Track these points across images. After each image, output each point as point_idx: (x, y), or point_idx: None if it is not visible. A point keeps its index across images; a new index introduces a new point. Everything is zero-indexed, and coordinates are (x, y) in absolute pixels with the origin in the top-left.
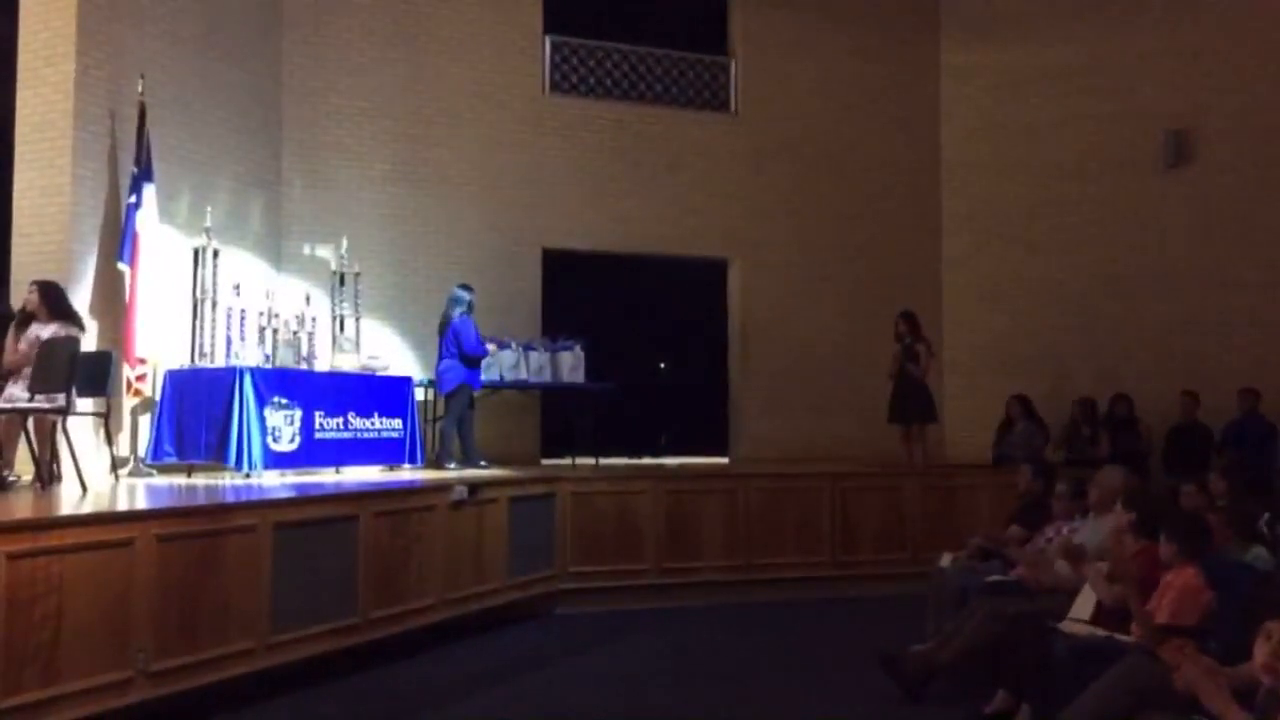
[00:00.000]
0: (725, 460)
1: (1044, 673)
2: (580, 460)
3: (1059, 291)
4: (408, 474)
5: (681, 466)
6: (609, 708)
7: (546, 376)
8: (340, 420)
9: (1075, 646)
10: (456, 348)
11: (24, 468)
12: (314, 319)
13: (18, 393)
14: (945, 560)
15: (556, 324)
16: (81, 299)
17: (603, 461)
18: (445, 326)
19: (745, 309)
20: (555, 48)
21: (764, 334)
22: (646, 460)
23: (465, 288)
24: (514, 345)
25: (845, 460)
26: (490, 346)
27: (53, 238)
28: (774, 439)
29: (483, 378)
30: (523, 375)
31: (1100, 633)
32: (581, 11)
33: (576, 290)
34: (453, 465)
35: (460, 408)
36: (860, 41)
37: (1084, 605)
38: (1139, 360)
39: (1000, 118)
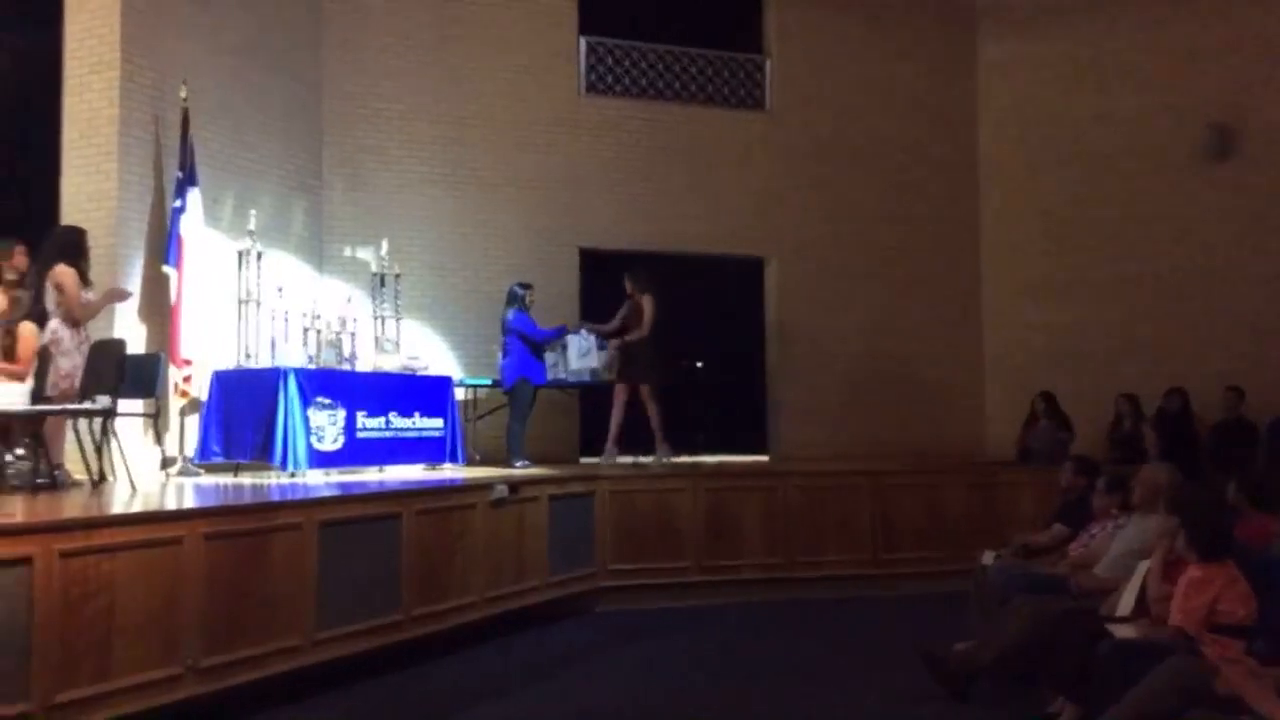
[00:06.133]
0: (764, 458)
1: (1088, 672)
2: (620, 459)
3: (1100, 287)
4: (449, 473)
5: (720, 465)
6: (648, 705)
7: (585, 376)
8: (382, 420)
9: (1120, 645)
10: (516, 343)
11: (74, 467)
12: (355, 320)
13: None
14: (987, 558)
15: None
16: (129, 301)
17: (641, 460)
18: (504, 325)
19: (782, 307)
20: (591, 48)
21: (801, 332)
22: (685, 459)
23: (522, 285)
24: (583, 333)
25: (884, 458)
26: (568, 325)
27: (100, 242)
28: (812, 437)
29: (548, 376)
30: (591, 364)
31: (1145, 631)
32: (616, 12)
33: (614, 290)
34: (520, 464)
35: (522, 404)
36: (896, 37)
37: (1127, 602)
38: (1182, 356)
39: (1038, 112)
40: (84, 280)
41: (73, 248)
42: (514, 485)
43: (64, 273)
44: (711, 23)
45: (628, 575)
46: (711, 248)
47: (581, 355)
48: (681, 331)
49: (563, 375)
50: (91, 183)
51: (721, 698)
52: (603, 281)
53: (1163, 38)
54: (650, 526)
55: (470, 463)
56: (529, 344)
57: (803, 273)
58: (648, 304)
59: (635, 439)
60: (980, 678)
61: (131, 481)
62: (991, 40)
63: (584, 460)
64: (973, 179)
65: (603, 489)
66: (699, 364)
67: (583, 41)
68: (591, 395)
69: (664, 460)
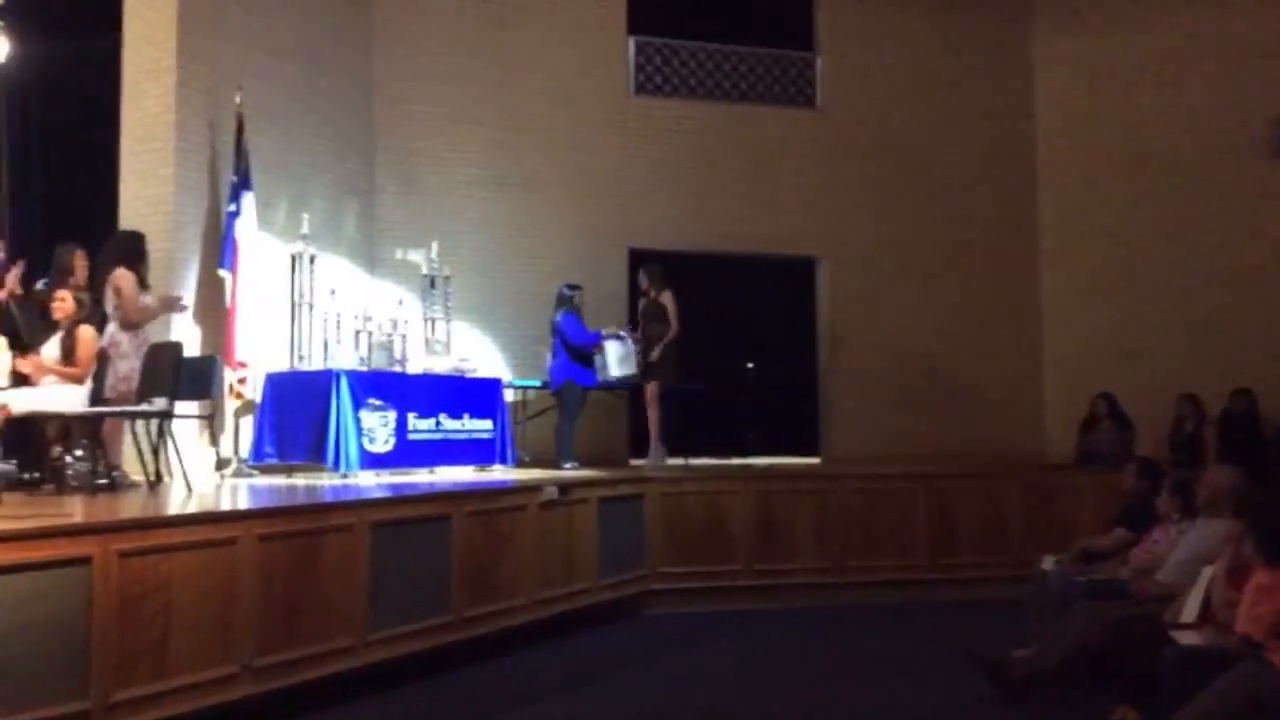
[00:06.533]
0: (816, 460)
1: (1151, 680)
2: (669, 461)
3: (1162, 285)
4: (499, 474)
5: (771, 467)
6: (698, 709)
7: (629, 381)
8: (432, 421)
9: (1184, 652)
10: (561, 345)
11: (132, 468)
12: (406, 322)
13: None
14: (1047, 563)
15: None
16: (186, 303)
17: (691, 462)
18: (552, 326)
19: (834, 307)
20: (639, 48)
21: (854, 332)
22: (736, 460)
23: (570, 286)
24: (625, 337)
25: (939, 460)
26: (608, 329)
27: (157, 245)
28: (865, 439)
29: (598, 378)
30: (631, 369)
31: (1210, 638)
32: (665, 11)
33: None
34: (570, 465)
35: (570, 406)
36: (948, 33)
37: (1191, 608)
38: (1247, 355)
39: (1095, 108)
40: (142, 284)
41: (133, 252)
42: (564, 487)
43: (123, 276)
44: (761, 21)
45: (678, 578)
46: (762, 248)
47: (621, 361)
48: (732, 332)
49: (612, 378)
50: (149, 187)
51: (772, 703)
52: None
53: (1226, 29)
54: (700, 529)
55: (520, 464)
56: (568, 345)
57: (855, 273)
58: (669, 301)
59: (684, 440)
60: (1040, 685)
61: (187, 482)
62: (1047, 35)
63: (634, 462)
64: (1030, 176)
65: (653, 491)
66: (749, 365)
67: (631, 42)
68: (641, 397)
69: (659, 463)
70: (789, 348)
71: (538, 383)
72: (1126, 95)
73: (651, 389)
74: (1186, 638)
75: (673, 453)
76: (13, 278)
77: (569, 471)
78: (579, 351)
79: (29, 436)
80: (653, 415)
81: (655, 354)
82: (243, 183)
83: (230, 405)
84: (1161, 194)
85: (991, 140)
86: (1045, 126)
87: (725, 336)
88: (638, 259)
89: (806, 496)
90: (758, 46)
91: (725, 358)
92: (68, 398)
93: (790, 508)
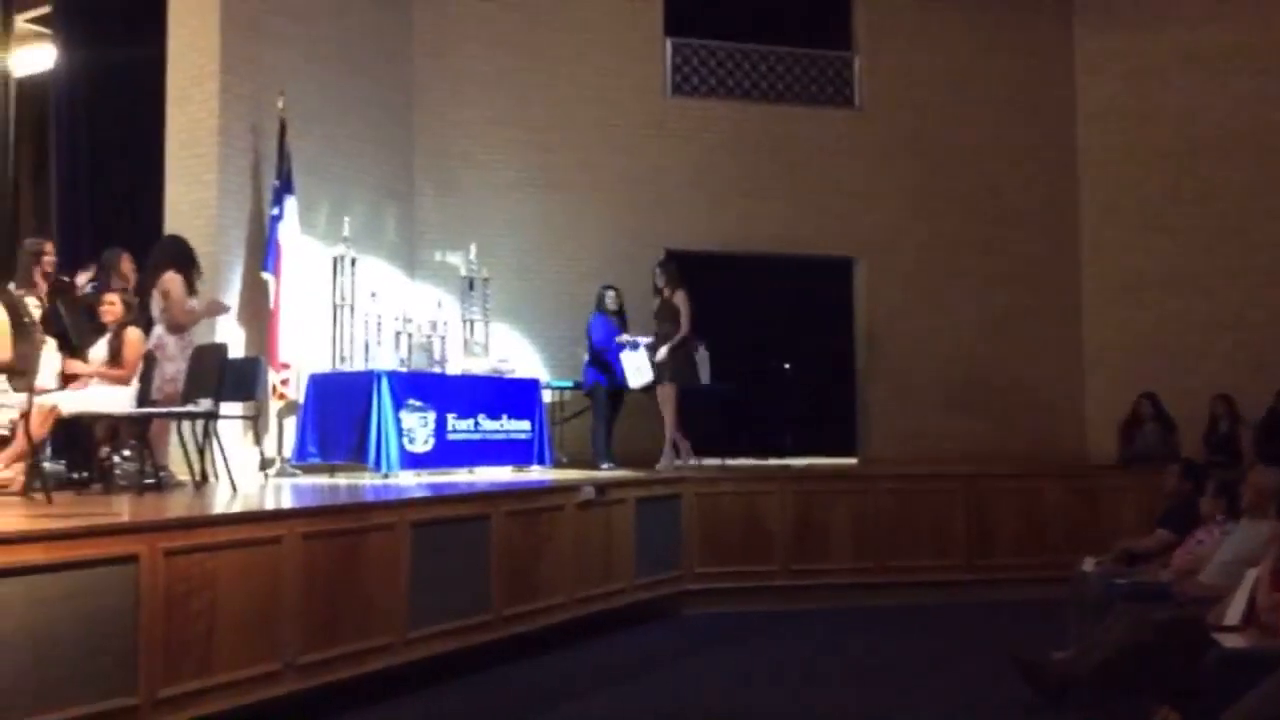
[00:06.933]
0: (853, 461)
1: (1194, 683)
2: (705, 461)
3: (1206, 284)
4: (536, 474)
5: (808, 467)
6: (734, 709)
7: (698, 379)
8: (471, 422)
9: (1227, 655)
10: (590, 347)
11: (178, 468)
12: (445, 323)
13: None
14: (1087, 564)
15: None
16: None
17: (728, 462)
18: (587, 327)
19: (872, 308)
20: (676, 49)
21: (892, 333)
22: (772, 461)
23: (604, 287)
24: (640, 345)
25: (979, 460)
26: (623, 337)
27: (201, 249)
28: (903, 440)
29: (632, 383)
30: (649, 377)
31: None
32: (702, 12)
33: (701, 291)
34: (606, 466)
35: (598, 407)
36: (989, 29)
37: (1235, 611)
38: None
39: (1139, 104)
40: (190, 288)
41: (182, 256)
42: (601, 487)
43: (172, 279)
44: (799, 21)
45: (714, 578)
46: (799, 248)
47: (638, 371)
48: (769, 333)
49: (632, 388)
50: (193, 192)
51: (808, 704)
52: (689, 284)
53: (1272, 22)
54: (737, 529)
55: (557, 465)
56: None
57: (893, 272)
58: (682, 301)
59: (721, 440)
60: (1080, 687)
61: (232, 482)
62: (1089, 30)
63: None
64: (1071, 173)
65: (689, 491)
66: (786, 366)
67: (668, 43)
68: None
69: (669, 467)
70: (826, 348)
71: (570, 383)
72: (1169, 91)
73: (663, 391)
74: (1230, 640)
75: (708, 453)
76: (81, 279)
77: (605, 472)
78: (599, 354)
79: (78, 437)
80: (667, 417)
81: (662, 354)
82: (285, 186)
83: (274, 406)
84: (1205, 191)
85: (1032, 138)
86: (1087, 124)
87: (762, 337)
88: (675, 259)
89: (843, 497)
90: (795, 46)
91: (762, 358)
92: (115, 399)
93: (827, 508)
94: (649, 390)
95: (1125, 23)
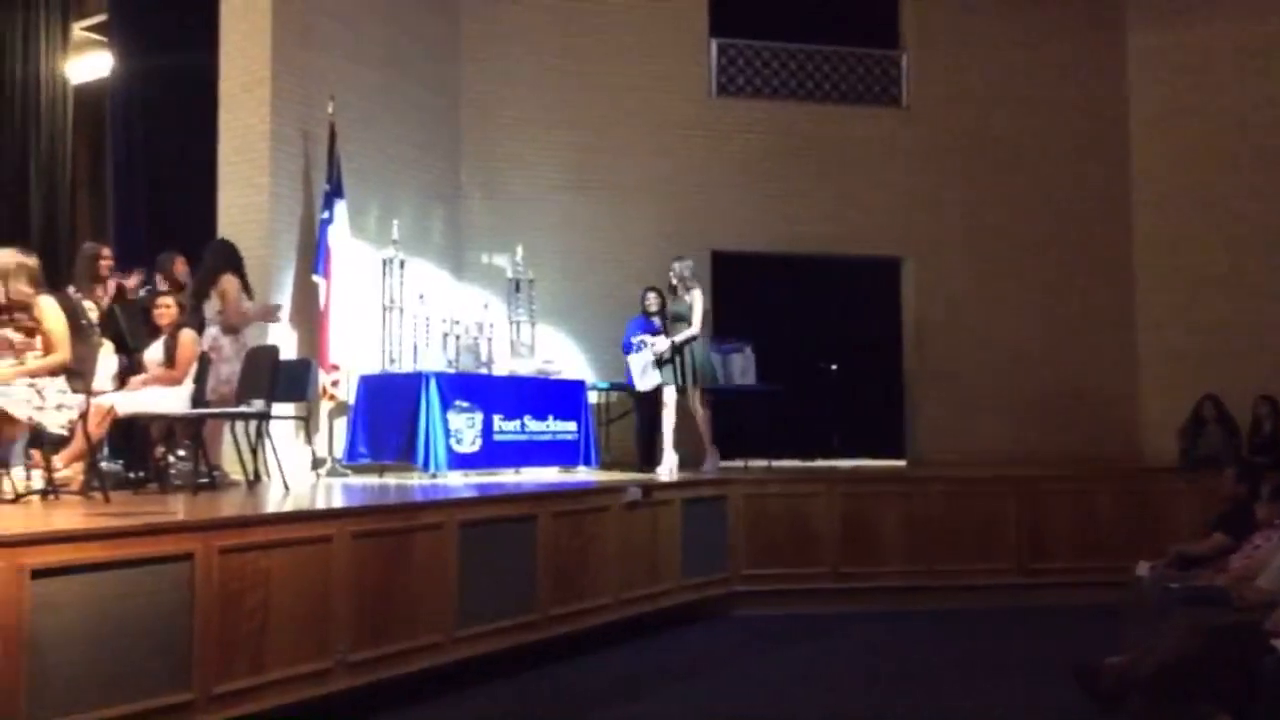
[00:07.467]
0: (902, 463)
1: (1251, 689)
2: (752, 463)
3: (1263, 282)
4: (583, 475)
5: (856, 469)
6: (781, 711)
7: (718, 379)
8: (518, 423)
9: None
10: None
11: (232, 468)
12: (492, 325)
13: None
14: (1142, 569)
15: (726, 326)
16: (281, 310)
17: (775, 464)
18: None
19: (920, 308)
20: (721, 50)
21: (941, 334)
22: (820, 463)
23: (647, 289)
24: (643, 348)
25: (1031, 463)
26: (637, 339)
27: (253, 253)
28: (953, 441)
29: (638, 385)
30: (656, 380)
31: None
32: (747, 12)
33: (746, 292)
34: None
35: (640, 408)
36: (1039, 26)
37: None
38: None
39: (1193, 101)
40: (247, 290)
41: (236, 259)
42: (647, 488)
43: (230, 281)
44: (844, 19)
45: (761, 580)
46: (847, 249)
47: (642, 374)
48: (816, 334)
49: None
50: (244, 196)
51: (859, 707)
52: (735, 285)
53: None
54: (784, 531)
55: (603, 466)
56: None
57: (942, 273)
58: (697, 299)
59: (767, 441)
60: (1134, 693)
61: (284, 481)
62: (1142, 26)
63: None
64: (1124, 173)
65: (735, 493)
66: (834, 367)
67: (713, 44)
68: (725, 399)
69: (670, 474)
70: (874, 349)
71: (605, 384)
72: (1224, 86)
73: (668, 393)
74: None
75: (754, 455)
76: (132, 283)
77: (654, 473)
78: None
79: (134, 437)
80: (668, 420)
81: (664, 349)
82: (335, 190)
83: (324, 407)
84: (1261, 187)
85: (1084, 135)
86: (1140, 120)
87: (809, 338)
88: (721, 261)
89: (892, 499)
90: (841, 45)
91: (809, 360)
92: (170, 399)
93: (876, 510)
94: (656, 393)
95: (1177, 16)
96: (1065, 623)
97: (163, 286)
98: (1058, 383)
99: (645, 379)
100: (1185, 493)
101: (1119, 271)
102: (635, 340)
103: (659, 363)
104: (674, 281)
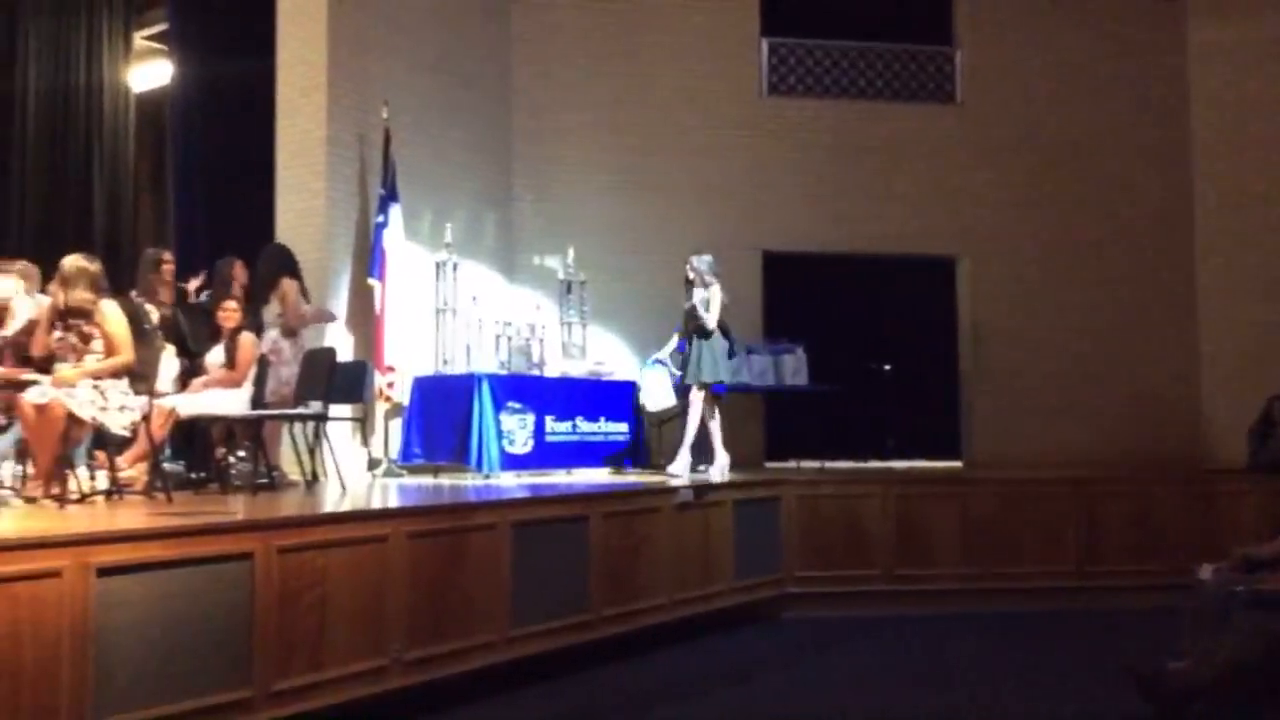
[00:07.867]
0: (957, 464)
1: None
2: (805, 463)
3: None
4: (634, 476)
5: (911, 470)
6: (834, 713)
7: (769, 380)
8: (569, 424)
9: None
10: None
11: (290, 468)
12: (544, 326)
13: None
14: (1205, 572)
15: (779, 327)
16: (338, 312)
17: (828, 465)
18: None
19: (976, 308)
20: (772, 49)
21: (997, 334)
22: (873, 464)
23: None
24: (664, 363)
25: (1089, 464)
26: (657, 354)
27: (309, 256)
28: (1009, 442)
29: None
30: (670, 402)
31: None
32: (798, 11)
33: (798, 292)
34: (703, 468)
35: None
36: (1096, 19)
37: None
38: None
39: (1255, 95)
40: (304, 294)
41: (293, 263)
42: (699, 489)
43: (290, 285)
44: (897, 16)
45: (815, 582)
46: (900, 248)
47: (649, 393)
48: (870, 334)
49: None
50: (301, 200)
51: (909, 712)
52: (787, 285)
53: None
54: (838, 533)
55: (654, 467)
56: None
57: (997, 271)
58: (715, 294)
59: (820, 442)
60: (1196, 699)
61: (341, 481)
62: (1203, 19)
63: (768, 465)
64: (1185, 169)
65: (789, 494)
66: (888, 367)
67: (764, 43)
68: (776, 400)
69: (682, 473)
70: (929, 349)
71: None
72: None
73: (694, 393)
74: None
75: (807, 456)
76: (192, 286)
77: (702, 474)
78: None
79: (195, 439)
80: (694, 419)
81: (674, 344)
82: (390, 195)
83: (380, 408)
84: None
85: (1143, 132)
86: (1201, 116)
87: (863, 338)
88: (773, 262)
89: (948, 501)
90: (893, 43)
91: (863, 360)
92: (230, 401)
93: (931, 512)
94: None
95: (1239, 11)
96: (1124, 627)
97: (228, 291)
98: (1117, 383)
99: (653, 400)
100: (1248, 493)
101: (1180, 270)
102: (655, 356)
103: (684, 363)
104: (690, 277)
